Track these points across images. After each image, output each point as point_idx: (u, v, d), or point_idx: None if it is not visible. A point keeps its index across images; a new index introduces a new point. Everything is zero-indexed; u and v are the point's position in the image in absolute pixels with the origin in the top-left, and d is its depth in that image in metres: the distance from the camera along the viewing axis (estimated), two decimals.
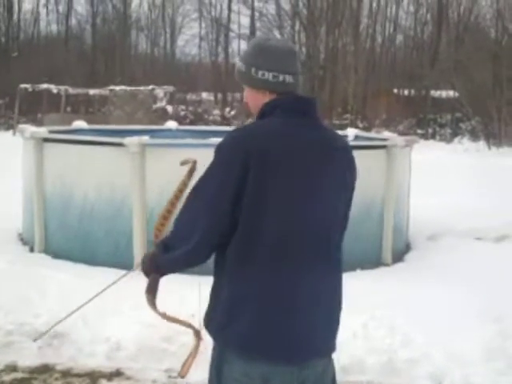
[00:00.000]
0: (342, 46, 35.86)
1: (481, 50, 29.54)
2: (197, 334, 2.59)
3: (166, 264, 2.60)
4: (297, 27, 37.77)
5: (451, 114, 33.39)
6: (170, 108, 31.36)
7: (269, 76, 2.60)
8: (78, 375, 4.78)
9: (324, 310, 2.54)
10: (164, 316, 2.68)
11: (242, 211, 2.42)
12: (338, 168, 2.60)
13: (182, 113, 33.31)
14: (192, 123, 29.60)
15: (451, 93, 33.21)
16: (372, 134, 13.58)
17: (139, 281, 6.44)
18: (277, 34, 37.99)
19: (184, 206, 2.55)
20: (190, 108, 34.38)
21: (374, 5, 37.37)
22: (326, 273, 2.53)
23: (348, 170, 2.65)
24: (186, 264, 2.58)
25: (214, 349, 2.59)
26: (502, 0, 32.16)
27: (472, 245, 8.08)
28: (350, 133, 10.52)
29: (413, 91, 36.14)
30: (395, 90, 36.43)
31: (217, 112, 35.34)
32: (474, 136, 29.64)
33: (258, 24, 39.94)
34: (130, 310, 5.19)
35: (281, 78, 2.61)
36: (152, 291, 2.66)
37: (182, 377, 2.60)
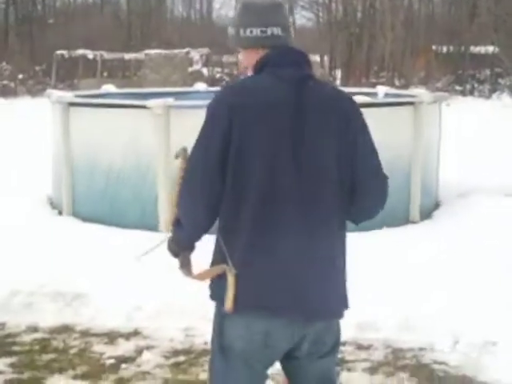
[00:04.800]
0: (380, 2, 35.26)
1: None
2: (230, 270, 2.51)
3: (184, 242, 2.65)
4: None
5: (490, 70, 32.77)
6: (205, 70, 31.31)
7: (257, 32, 2.57)
8: (97, 335, 4.83)
9: (321, 272, 2.51)
10: (200, 276, 2.67)
11: (228, 166, 2.43)
12: (330, 119, 2.53)
13: (218, 75, 33.22)
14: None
15: (490, 48, 32.55)
16: (402, 91, 13.38)
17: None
18: None
19: (183, 177, 2.56)
20: (226, 70, 34.24)
21: None
22: (316, 233, 2.48)
23: (336, 117, 2.54)
24: (196, 233, 2.62)
25: (216, 306, 2.60)
26: None
27: (502, 201, 7.95)
28: (380, 90, 10.39)
29: (451, 48, 35.46)
30: (434, 47, 35.81)
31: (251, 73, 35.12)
32: None
33: None
34: (149, 272, 5.22)
35: (269, 31, 2.57)
36: (186, 267, 2.71)
37: (230, 309, 2.54)
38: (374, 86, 24.93)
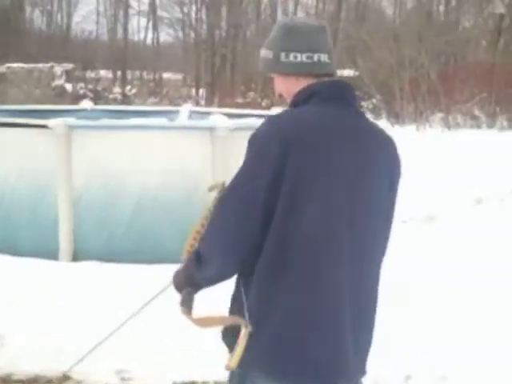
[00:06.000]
0: (245, 23, 35.54)
1: (380, 29, 29.87)
2: (245, 324, 2.21)
3: (197, 281, 2.30)
4: (198, 4, 37.17)
5: None
6: (69, 86, 30.36)
7: (302, 57, 2.27)
8: (21, 382, 4.33)
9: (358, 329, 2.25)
10: (201, 322, 2.32)
11: (277, 207, 2.10)
12: (381, 164, 2.28)
13: (81, 91, 32.28)
14: (92, 101, 28.70)
15: (351, 72, 33.48)
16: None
17: (73, 274, 6.03)
18: (178, 10, 37.44)
19: (215, 211, 2.25)
20: (90, 86, 33.35)
21: None
22: (363, 288, 2.25)
23: (392, 167, 2.33)
24: (220, 275, 2.26)
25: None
26: None
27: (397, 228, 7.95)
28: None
29: None
30: None
31: (117, 90, 34.45)
32: (376, 114, 29.97)
33: (158, 1, 39.09)
34: (72, 306, 4.77)
35: (315, 57, 2.28)
36: (187, 306, 2.35)
37: (232, 369, 2.23)
38: (241, 106, 25.04)
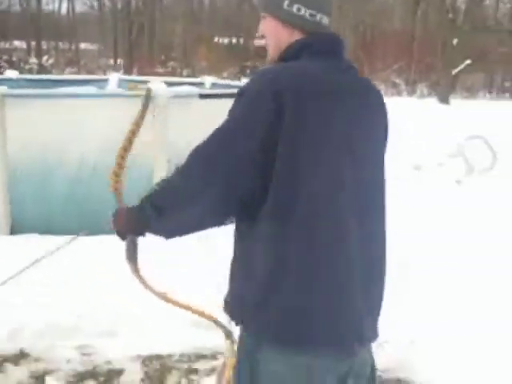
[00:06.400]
0: None
1: None
2: (228, 334, 2.10)
3: (158, 229, 2.11)
4: None
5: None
6: None
7: (305, 13, 2.13)
8: None
9: (374, 287, 2.16)
10: (168, 299, 2.21)
11: (276, 163, 1.95)
12: (377, 116, 2.21)
13: None
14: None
15: None
16: (228, 82, 13.16)
17: (11, 248, 5.80)
18: None
19: (196, 169, 2.03)
20: (5, 56, 32.37)
21: None
22: (373, 242, 2.15)
23: (386, 121, 2.26)
24: (198, 221, 2.08)
25: (242, 337, 2.14)
26: None
27: None
28: (207, 80, 10.11)
29: (234, 39, 36.06)
30: (216, 38, 36.19)
31: (33, 60, 33.53)
32: None
33: None
34: (33, 285, 4.60)
35: (318, 17, 2.15)
36: (133, 258, 2.20)
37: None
38: (163, 75, 24.69)
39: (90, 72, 29.19)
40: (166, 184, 2.09)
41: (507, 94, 35.26)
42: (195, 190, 2.00)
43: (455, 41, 26.66)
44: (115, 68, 32.92)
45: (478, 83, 36.45)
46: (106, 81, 10.78)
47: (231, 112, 2.04)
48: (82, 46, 39.29)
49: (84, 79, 11.12)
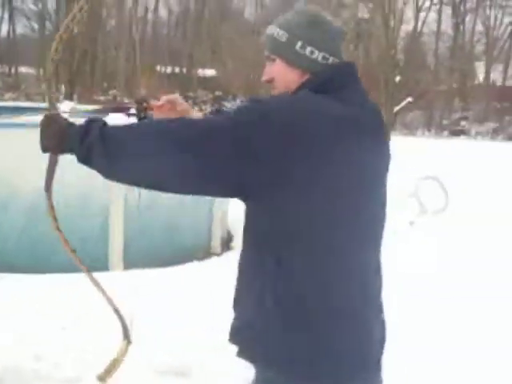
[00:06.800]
0: (106, 15, 34.93)
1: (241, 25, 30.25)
2: (126, 333, 1.97)
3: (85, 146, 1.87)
4: None
5: (212, 93, 33.85)
6: None
7: (318, 56, 2.01)
8: None
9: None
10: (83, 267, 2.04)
11: (287, 193, 1.80)
12: (386, 154, 2.09)
13: None
14: None
15: (213, 72, 33.63)
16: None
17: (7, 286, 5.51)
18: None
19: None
20: None
21: None
22: (376, 275, 2.09)
23: (389, 154, 2.12)
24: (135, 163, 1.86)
25: (259, 375, 1.98)
26: None
27: None
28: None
29: (177, 69, 36.08)
30: (158, 67, 36.18)
31: None
32: None
33: None
34: None
35: (330, 60, 2.03)
36: (50, 178, 2.01)
37: (101, 380, 2.00)
38: (102, 103, 24.44)
39: (29, 98, 28.73)
40: (126, 127, 1.90)
41: (445, 132, 35.98)
42: (147, 153, 1.82)
43: (397, 78, 27.12)
44: (56, 95, 32.47)
45: (417, 120, 37.11)
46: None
47: (238, 112, 1.85)
48: (22, 69, 38.69)
49: (35, 107, 10.83)
